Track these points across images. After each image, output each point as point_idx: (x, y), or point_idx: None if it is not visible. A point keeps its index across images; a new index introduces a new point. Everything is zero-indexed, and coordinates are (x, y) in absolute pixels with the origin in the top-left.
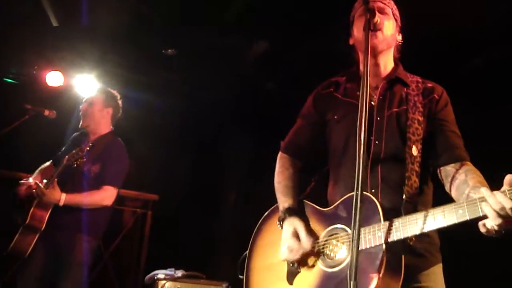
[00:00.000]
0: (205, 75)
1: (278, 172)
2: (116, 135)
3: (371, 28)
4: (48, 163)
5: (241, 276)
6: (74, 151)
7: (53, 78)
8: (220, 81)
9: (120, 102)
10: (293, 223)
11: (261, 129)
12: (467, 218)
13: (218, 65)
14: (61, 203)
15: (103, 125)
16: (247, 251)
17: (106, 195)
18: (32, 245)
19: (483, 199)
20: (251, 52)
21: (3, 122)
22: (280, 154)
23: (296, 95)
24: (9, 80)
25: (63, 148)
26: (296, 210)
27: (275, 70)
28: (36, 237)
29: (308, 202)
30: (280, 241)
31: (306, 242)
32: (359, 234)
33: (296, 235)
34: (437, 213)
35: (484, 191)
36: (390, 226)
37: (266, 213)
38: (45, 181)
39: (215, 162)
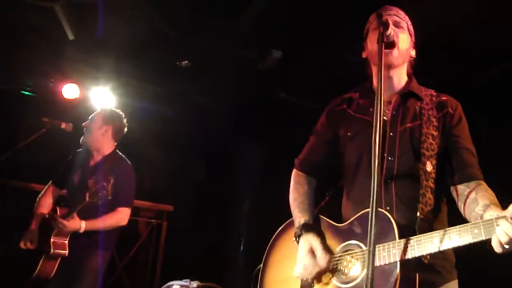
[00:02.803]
0: (218, 85)
1: (293, 189)
2: (119, 154)
3: (384, 40)
4: (48, 185)
5: None
6: (94, 190)
7: (69, 91)
8: (233, 92)
9: (125, 121)
10: (310, 240)
11: (273, 139)
12: (483, 238)
13: (231, 76)
14: (81, 231)
15: (105, 143)
16: (261, 265)
17: (122, 217)
18: (55, 269)
19: (499, 219)
20: (264, 63)
21: (21, 135)
22: (294, 171)
23: (308, 105)
24: (26, 93)
25: (65, 167)
26: (312, 226)
27: (287, 80)
28: (58, 261)
29: (324, 218)
30: (294, 256)
31: (322, 261)
32: (374, 252)
33: (312, 253)
34: (452, 232)
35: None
36: (405, 244)
37: (280, 228)
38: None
39: (228, 172)
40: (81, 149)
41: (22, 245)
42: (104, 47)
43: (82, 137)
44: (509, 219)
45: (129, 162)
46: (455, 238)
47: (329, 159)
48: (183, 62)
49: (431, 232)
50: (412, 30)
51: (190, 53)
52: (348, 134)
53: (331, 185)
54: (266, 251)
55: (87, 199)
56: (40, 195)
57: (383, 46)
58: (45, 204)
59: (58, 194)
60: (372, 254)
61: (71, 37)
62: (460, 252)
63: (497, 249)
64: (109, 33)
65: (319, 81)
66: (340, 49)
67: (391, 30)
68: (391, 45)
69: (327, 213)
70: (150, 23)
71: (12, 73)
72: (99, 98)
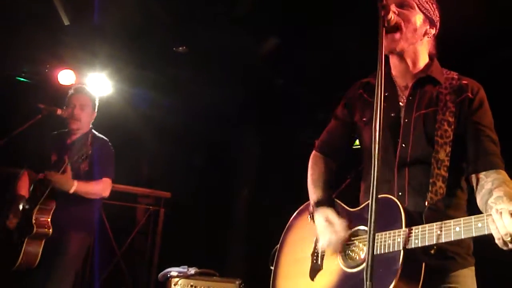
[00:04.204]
0: (215, 72)
1: (310, 168)
2: (95, 132)
3: (385, 25)
4: (24, 170)
5: (271, 267)
6: (74, 148)
7: (65, 77)
8: (230, 79)
9: None
10: (325, 213)
11: (271, 126)
12: (485, 232)
13: (228, 63)
14: (71, 190)
15: (86, 125)
16: (278, 245)
17: (105, 186)
18: (39, 255)
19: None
20: (261, 50)
21: (16, 121)
22: (313, 152)
23: (306, 93)
24: (22, 79)
25: (39, 150)
26: (326, 202)
27: (285, 68)
28: (42, 244)
29: (338, 201)
30: (307, 237)
31: (340, 227)
32: (374, 236)
33: (330, 223)
34: (456, 224)
35: (494, 211)
36: (410, 233)
37: (299, 209)
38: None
39: (226, 159)
40: (56, 132)
41: (9, 224)
42: (100, 33)
43: (71, 124)
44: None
45: (106, 138)
46: (457, 230)
47: (348, 141)
48: (180, 48)
49: (436, 223)
50: (428, 7)
51: (187, 39)
52: (363, 119)
53: (353, 168)
54: (284, 231)
55: (67, 165)
56: (17, 179)
57: (386, 31)
58: (24, 186)
59: (34, 178)
60: (372, 240)
61: (66, 22)
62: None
63: (501, 245)
64: (105, 19)
65: (317, 69)
66: (339, 36)
67: (392, 14)
68: (393, 29)
69: (347, 195)
70: (146, 8)
71: (7, 59)
72: (95, 84)
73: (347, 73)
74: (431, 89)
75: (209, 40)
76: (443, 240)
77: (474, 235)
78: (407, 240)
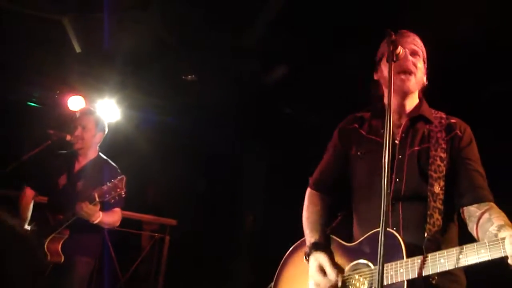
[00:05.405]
0: (222, 99)
1: (306, 208)
2: (104, 157)
3: (394, 59)
4: (25, 189)
5: None
6: (107, 188)
7: (74, 103)
8: (237, 105)
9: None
10: (318, 258)
11: (276, 151)
12: (489, 258)
13: (236, 90)
14: (96, 221)
15: (93, 148)
16: (273, 282)
17: (119, 217)
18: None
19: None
20: (269, 77)
21: (26, 146)
22: (308, 190)
23: (312, 119)
24: (32, 104)
25: (44, 170)
26: (322, 245)
27: (292, 95)
28: (49, 268)
29: (334, 237)
30: (304, 274)
31: (332, 276)
32: (383, 271)
33: (322, 270)
34: (458, 252)
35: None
36: (412, 263)
37: (293, 246)
38: None
39: (232, 186)
40: (62, 152)
41: None
42: (110, 60)
43: (74, 144)
44: None
45: (114, 165)
46: (461, 257)
47: (342, 176)
48: (189, 76)
49: (438, 252)
50: (425, 56)
51: (196, 67)
52: (359, 153)
53: (344, 205)
54: (279, 268)
55: (96, 198)
56: (20, 200)
57: (402, 72)
58: (27, 207)
59: (36, 198)
60: (381, 273)
61: (78, 50)
62: (473, 274)
63: None
64: (115, 47)
65: (324, 95)
66: (346, 64)
67: (401, 49)
68: (409, 72)
69: (338, 232)
70: (156, 37)
71: (19, 84)
72: (104, 111)
73: (353, 99)
74: (422, 127)
75: (218, 67)
76: (446, 268)
77: (478, 261)
78: (410, 270)
